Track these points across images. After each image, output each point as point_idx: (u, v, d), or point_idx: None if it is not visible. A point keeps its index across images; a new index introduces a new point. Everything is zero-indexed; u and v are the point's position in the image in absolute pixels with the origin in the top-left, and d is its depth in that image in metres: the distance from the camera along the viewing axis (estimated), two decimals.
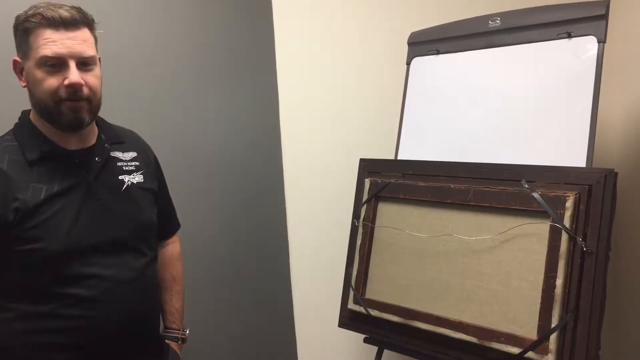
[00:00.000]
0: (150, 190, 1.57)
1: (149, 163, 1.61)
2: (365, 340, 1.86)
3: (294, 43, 2.24)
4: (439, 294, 1.66)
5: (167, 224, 1.72)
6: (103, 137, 1.50)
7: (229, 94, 2.18)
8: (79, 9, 1.35)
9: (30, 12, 1.31)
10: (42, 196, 1.34)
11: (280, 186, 2.29)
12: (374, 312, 1.77)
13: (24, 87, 1.38)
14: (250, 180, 2.23)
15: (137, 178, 1.53)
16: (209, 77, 2.13)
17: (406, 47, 2.00)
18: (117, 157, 1.52)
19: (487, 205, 1.59)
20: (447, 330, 1.60)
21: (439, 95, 1.90)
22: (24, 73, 1.36)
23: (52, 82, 1.31)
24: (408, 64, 2.00)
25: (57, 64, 1.31)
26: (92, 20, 1.39)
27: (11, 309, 1.36)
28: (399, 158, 1.95)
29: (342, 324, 1.91)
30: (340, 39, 2.26)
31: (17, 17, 1.34)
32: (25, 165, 1.36)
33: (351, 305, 1.84)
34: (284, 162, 2.28)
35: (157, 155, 1.68)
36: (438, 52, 1.92)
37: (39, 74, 1.32)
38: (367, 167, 1.91)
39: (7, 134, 1.43)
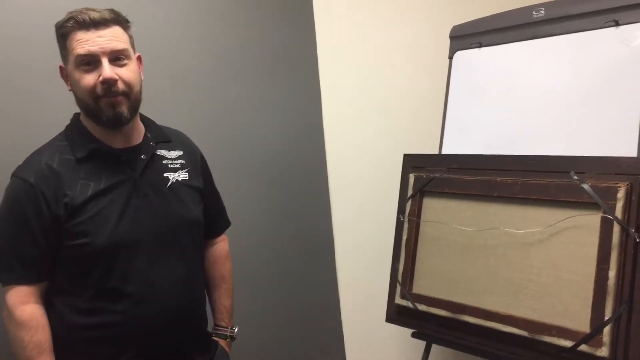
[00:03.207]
0: (196, 188, 1.61)
1: (195, 162, 1.64)
2: (414, 335, 1.87)
3: (335, 39, 2.25)
4: (487, 287, 1.65)
5: (216, 223, 1.76)
6: (149, 135, 1.55)
7: (271, 92, 2.20)
8: (111, 10, 1.40)
9: (65, 18, 1.37)
10: (90, 193, 1.39)
11: (324, 183, 2.31)
12: (422, 307, 1.77)
13: (70, 90, 1.43)
14: (294, 178, 2.26)
15: (182, 176, 1.57)
16: (251, 76, 2.16)
17: (448, 41, 1.99)
18: (163, 155, 1.56)
19: (535, 197, 1.57)
20: (497, 324, 1.59)
21: (483, 89, 1.89)
22: (69, 78, 1.42)
23: (88, 80, 1.36)
24: (450, 57, 1.99)
25: (91, 61, 1.36)
26: (125, 20, 1.43)
27: (64, 303, 1.41)
28: (443, 152, 1.94)
29: (389, 319, 1.91)
30: (381, 33, 2.27)
31: (55, 25, 1.40)
32: (74, 163, 1.41)
33: (398, 300, 1.85)
34: (327, 158, 2.29)
35: (203, 152, 1.72)
36: (481, 45, 1.91)
37: (76, 74, 1.37)
38: (411, 162, 1.91)
39: (59, 135, 1.49)
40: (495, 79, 1.86)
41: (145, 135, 1.54)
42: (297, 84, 2.25)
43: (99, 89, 1.36)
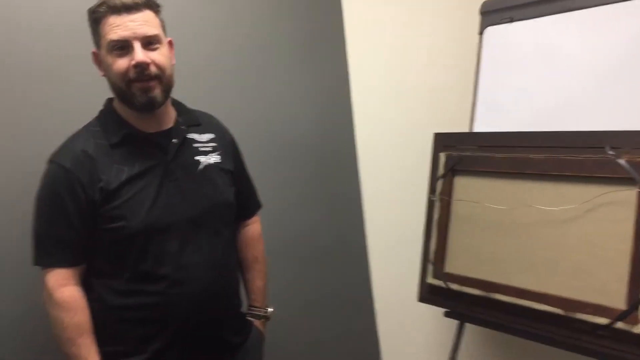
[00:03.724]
0: (227, 170, 1.63)
1: (226, 145, 1.66)
2: (446, 314, 1.86)
3: (363, 19, 2.24)
4: (520, 266, 1.63)
5: (248, 205, 1.78)
6: (180, 120, 1.57)
7: (300, 73, 2.21)
8: None
9: (97, 3, 1.39)
10: (124, 177, 1.42)
11: (354, 164, 2.31)
12: (454, 286, 1.77)
13: (103, 75, 1.46)
14: (325, 159, 2.27)
15: (214, 159, 1.59)
16: (281, 57, 2.17)
17: (478, 17, 1.95)
18: (194, 139, 1.58)
19: (569, 174, 1.54)
20: (531, 302, 1.57)
21: (515, 65, 1.85)
22: (101, 63, 1.44)
23: (120, 64, 1.39)
24: (481, 33, 1.95)
25: (123, 46, 1.38)
26: (156, 4, 1.45)
27: (102, 285, 1.46)
28: (474, 131, 1.92)
29: (421, 299, 1.91)
30: (410, 12, 2.24)
31: (88, 11, 1.42)
32: (108, 148, 1.44)
33: (430, 279, 1.84)
34: (357, 140, 2.30)
35: (235, 138, 1.73)
36: (512, 20, 1.87)
37: (109, 59, 1.39)
38: (442, 141, 1.89)
39: (93, 120, 1.52)
40: (528, 54, 1.82)
41: (176, 119, 1.56)
42: (326, 65, 2.25)
43: (131, 73, 1.39)
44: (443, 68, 2.25)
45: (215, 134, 1.64)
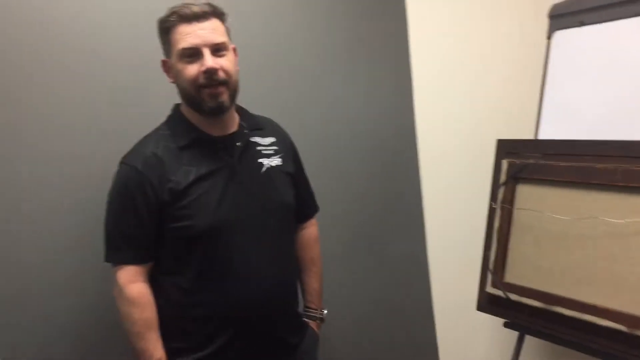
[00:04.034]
0: (288, 173, 1.66)
1: (286, 148, 1.69)
2: (506, 325, 1.82)
3: (427, 22, 2.23)
4: (583, 279, 1.57)
5: (306, 207, 1.81)
6: (244, 124, 1.61)
7: (362, 75, 2.22)
8: (209, 4, 1.46)
9: (167, 14, 1.46)
10: (192, 178, 1.47)
11: (415, 169, 2.30)
12: (513, 296, 1.73)
13: (172, 82, 1.51)
14: (385, 165, 2.27)
15: (276, 161, 1.63)
16: (343, 59, 2.18)
17: (546, 20, 1.90)
18: (257, 142, 1.62)
19: (638, 185, 1.48)
20: (593, 317, 1.52)
21: (584, 70, 1.79)
22: (170, 70, 1.50)
23: (191, 70, 1.44)
24: (549, 38, 1.89)
25: (193, 53, 1.43)
26: (222, 13, 1.50)
27: (169, 282, 1.51)
28: (539, 138, 1.86)
29: (480, 308, 1.88)
30: (475, 15, 2.20)
31: (158, 21, 1.48)
32: (177, 151, 1.50)
33: (489, 288, 1.81)
34: (419, 145, 2.28)
35: (296, 141, 1.77)
36: (582, 24, 1.80)
37: (180, 65, 1.45)
38: (505, 147, 1.85)
39: (162, 125, 1.58)
40: (598, 59, 1.75)
41: (239, 123, 1.61)
42: (388, 67, 2.25)
43: (201, 79, 1.44)
44: (509, 72, 2.20)
45: (276, 137, 1.68)
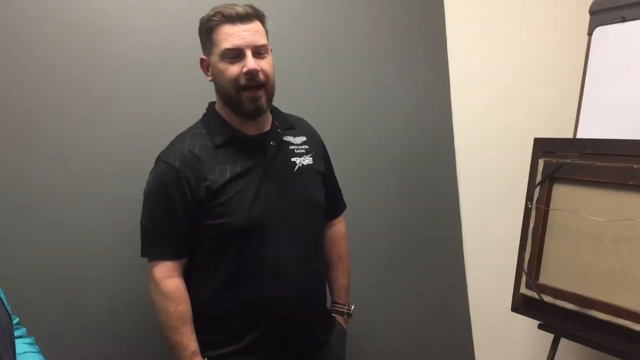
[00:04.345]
0: (319, 172, 1.68)
1: (317, 147, 1.71)
2: (540, 327, 1.80)
3: (464, 18, 2.20)
4: (619, 282, 1.54)
5: (334, 205, 1.82)
6: (276, 123, 1.63)
7: (399, 73, 2.21)
8: (250, 6, 1.48)
9: (211, 13, 1.48)
10: (227, 176, 1.50)
11: (452, 168, 2.28)
12: (547, 298, 1.70)
13: (210, 80, 1.54)
14: (421, 164, 2.26)
15: (307, 160, 1.64)
16: (379, 57, 2.18)
17: (586, 16, 1.85)
18: (289, 141, 1.64)
19: None
20: (629, 322, 1.48)
21: (625, 67, 1.73)
22: (209, 68, 1.53)
23: (233, 70, 1.46)
24: (590, 34, 1.84)
25: (236, 54, 1.45)
26: (263, 15, 1.52)
27: (203, 278, 1.55)
28: (578, 137, 1.82)
29: (514, 309, 1.86)
30: (514, 10, 2.16)
31: (201, 20, 1.51)
32: (213, 149, 1.52)
33: (523, 289, 1.79)
34: (455, 144, 2.26)
35: (330, 140, 1.79)
36: (624, 20, 1.75)
37: (221, 65, 1.47)
38: (542, 146, 1.82)
39: (197, 123, 1.61)
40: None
41: (272, 122, 1.63)
42: (425, 66, 2.23)
43: (242, 80, 1.46)
44: (549, 70, 2.15)
45: (307, 136, 1.69)
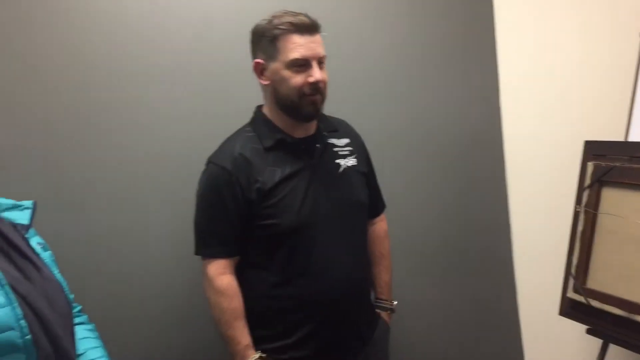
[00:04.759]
0: (362, 173, 1.74)
1: (359, 148, 1.77)
2: (588, 332, 1.78)
3: (515, 20, 2.19)
4: None
5: (376, 205, 1.87)
6: (321, 126, 1.69)
7: (448, 76, 2.23)
8: (309, 16, 1.53)
9: (276, 21, 1.51)
10: (277, 179, 1.56)
11: (501, 170, 2.27)
12: (595, 303, 1.69)
13: (265, 84, 1.59)
14: (471, 164, 2.27)
15: (351, 162, 1.70)
16: (429, 59, 2.21)
17: (638, 17, 1.82)
18: (334, 143, 1.70)
19: None
20: None
21: None
22: (265, 73, 1.57)
23: (298, 79, 1.52)
24: None
25: (303, 64, 1.51)
26: (320, 25, 1.57)
27: (255, 275, 1.62)
28: (629, 140, 1.80)
29: (562, 313, 1.84)
30: (564, 12, 2.14)
31: (260, 26, 1.55)
32: (262, 152, 1.59)
33: (571, 293, 1.78)
34: (505, 147, 2.25)
35: (380, 141, 1.85)
36: None
37: (286, 73, 1.52)
38: (592, 149, 1.80)
39: (246, 126, 1.68)
40: None
41: (317, 125, 1.69)
42: (475, 68, 2.24)
43: (306, 88, 1.52)
44: (599, 71, 2.11)
45: (350, 138, 1.75)
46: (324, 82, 1.54)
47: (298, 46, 1.49)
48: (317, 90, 1.53)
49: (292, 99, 1.54)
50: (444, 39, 2.23)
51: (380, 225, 1.90)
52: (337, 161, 1.68)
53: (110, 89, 1.85)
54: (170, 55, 1.89)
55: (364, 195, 1.73)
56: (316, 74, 1.51)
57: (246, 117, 1.71)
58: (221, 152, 1.61)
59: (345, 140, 1.73)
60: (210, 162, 1.61)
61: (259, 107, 1.69)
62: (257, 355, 1.58)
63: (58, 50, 1.78)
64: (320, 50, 1.53)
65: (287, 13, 1.52)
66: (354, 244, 1.68)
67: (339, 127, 1.75)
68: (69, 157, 1.81)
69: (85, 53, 1.81)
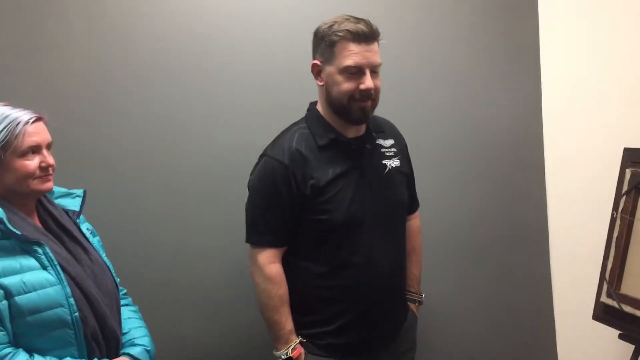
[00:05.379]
0: (405, 173, 1.80)
1: (402, 149, 1.82)
2: (620, 337, 1.79)
3: (558, 24, 2.20)
4: None
5: (412, 202, 1.92)
6: (370, 126, 1.75)
7: (490, 79, 2.26)
8: (370, 23, 1.59)
9: (335, 27, 1.56)
10: (330, 176, 1.63)
11: (541, 175, 2.29)
12: (627, 308, 1.70)
13: (320, 85, 1.65)
14: (511, 166, 2.28)
15: (395, 162, 1.75)
16: (471, 61, 2.24)
17: None
18: (381, 144, 1.75)
19: None
20: None
21: None
22: (322, 75, 1.64)
23: (349, 85, 1.58)
24: None
25: (356, 71, 1.57)
26: (379, 33, 1.61)
27: (303, 266, 1.70)
28: None
29: (595, 317, 1.86)
30: (605, 17, 2.13)
31: (321, 29, 1.61)
32: (317, 149, 1.66)
33: (604, 298, 1.80)
34: (545, 152, 2.27)
35: (417, 142, 1.90)
36: None
37: (339, 78, 1.59)
38: (631, 156, 1.81)
39: (300, 121, 1.74)
40: None
41: (367, 126, 1.74)
42: (517, 72, 2.26)
43: (357, 94, 1.58)
44: None
45: (394, 139, 1.80)
46: (376, 89, 1.59)
47: (353, 54, 1.55)
48: (367, 96, 1.59)
49: (342, 103, 1.60)
50: (487, 41, 2.24)
51: (414, 222, 1.95)
52: (384, 162, 1.73)
53: (158, 87, 2.00)
54: (230, 55, 2.05)
55: (405, 194, 1.79)
56: (367, 82, 1.56)
57: (291, 114, 1.79)
58: (277, 146, 1.67)
59: (391, 141, 1.78)
60: (267, 155, 1.67)
61: (313, 104, 1.75)
62: (299, 340, 1.67)
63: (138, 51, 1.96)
64: (375, 59, 1.58)
65: (348, 19, 1.57)
66: (395, 241, 1.74)
67: (385, 128, 1.80)
68: (121, 150, 1.97)
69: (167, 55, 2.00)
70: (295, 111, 1.77)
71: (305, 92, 1.77)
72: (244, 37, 2.05)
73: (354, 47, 1.54)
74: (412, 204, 1.93)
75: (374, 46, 1.57)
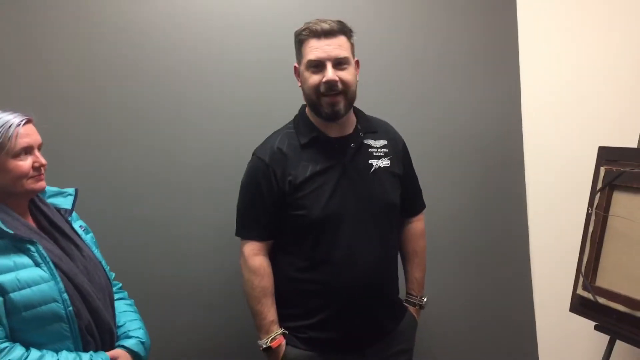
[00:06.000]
0: (396, 174, 1.81)
1: (397, 150, 1.85)
2: (596, 328, 1.86)
3: (537, 27, 2.27)
4: None
5: (413, 204, 1.95)
6: (359, 127, 1.79)
7: (468, 83, 2.31)
8: (339, 22, 1.67)
9: (302, 28, 1.68)
10: (308, 173, 1.69)
11: (520, 174, 2.35)
12: (601, 300, 1.77)
13: (300, 86, 1.74)
14: (491, 164, 2.33)
15: (384, 163, 1.78)
16: (451, 63, 2.30)
17: None
18: (369, 144, 1.79)
19: None
20: None
21: None
22: (299, 75, 1.73)
23: (314, 79, 1.66)
24: None
25: (318, 65, 1.65)
26: (349, 30, 1.69)
27: (285, 259, 1.76)
28: None
29: (572, 309, 1.93)
30: (584, 20, 2.21)
31: (295, 33, 1.72)
32: (299, 148, 1.72)
33: (580, 291, 1.86)
34: (525, 151, 2.32)
35: (413, 143, 1.94)
36: None
37: (306, 74, 1.68)
38: (605, 155, 1.88)
39: (289, 123, 1.82)
40: None
41: (356, 126, 1.79)
42: (496, 73, 2.30)
43: (322, 88, 1.65)
44: (619, 78, 2.16)
45: (388, 140, 1.83)
46: (342, 81, 1.65)
47: (314, 49, 1.64)
48: (332, 89, 1.64)
49: (312, 99, 1.68)
50: (467, 44, 2.30)
51: (417, 224, 1.97)
52: (370, 161, 1.77)
53: (155, 85, 2.06)
54: (236, 54, 2.13)
55: (394, 195, 1.80)
56: (328, 74, 1.63)
57: (291, 114, 1.85)
58: (264, 145, 1.77)
59: (382, 142, 1.81)
60: (254, 154, 1.77)
61: (303, 106, 1.82)
62: (281, 331, 1.72)
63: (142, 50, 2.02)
64: (337, 52, 1.64)
65: (316, 21, 1.65)
66: (380, 240, 1.76)
67: (379, 129, 1.84)
68: (116, 147, 2.04)
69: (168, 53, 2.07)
70: (295, 111, 1.84)
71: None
72: (244, 37, 2.11)
73: (314, 43, 1.64)
74: (414, 205, 1.96)
75: (336, 40, 1.64)
